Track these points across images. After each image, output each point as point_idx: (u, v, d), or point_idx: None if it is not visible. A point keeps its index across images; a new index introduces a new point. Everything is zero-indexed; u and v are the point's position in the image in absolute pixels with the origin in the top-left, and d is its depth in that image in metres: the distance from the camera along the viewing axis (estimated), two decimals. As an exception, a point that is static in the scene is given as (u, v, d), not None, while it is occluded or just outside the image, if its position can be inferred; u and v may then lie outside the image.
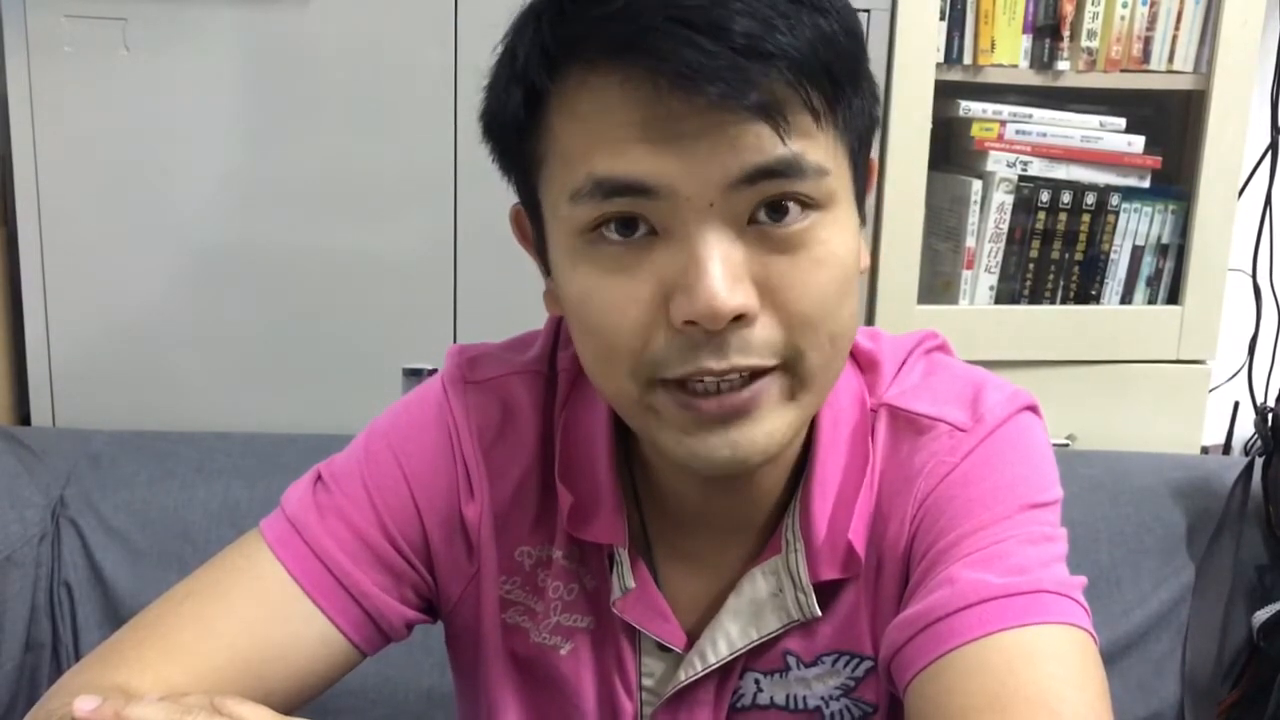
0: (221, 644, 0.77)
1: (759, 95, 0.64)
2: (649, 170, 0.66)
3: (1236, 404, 1.95)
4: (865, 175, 0.76)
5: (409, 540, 0.82)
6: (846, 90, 0.69)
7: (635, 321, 0.69)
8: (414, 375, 1.67)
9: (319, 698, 0.82)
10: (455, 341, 1.65)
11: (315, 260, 1.65)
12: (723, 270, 0.66)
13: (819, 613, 0.79)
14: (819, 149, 0.68)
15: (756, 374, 0.69)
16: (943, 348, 0.87)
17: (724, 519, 0.81)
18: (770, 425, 0.71)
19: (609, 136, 0.66)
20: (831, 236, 0.69)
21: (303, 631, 0.79)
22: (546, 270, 0.76)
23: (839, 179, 0.70)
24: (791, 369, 0.70)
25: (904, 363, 0.84)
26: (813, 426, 0.80)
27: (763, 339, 0.68)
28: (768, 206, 0.67)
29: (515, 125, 0.71)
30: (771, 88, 0.65)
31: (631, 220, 0.68)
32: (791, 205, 0.68)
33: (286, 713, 0.67)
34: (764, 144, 0.66)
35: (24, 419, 1.69)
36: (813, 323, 0.69)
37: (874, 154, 0.77)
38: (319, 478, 0.84)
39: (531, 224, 0.76)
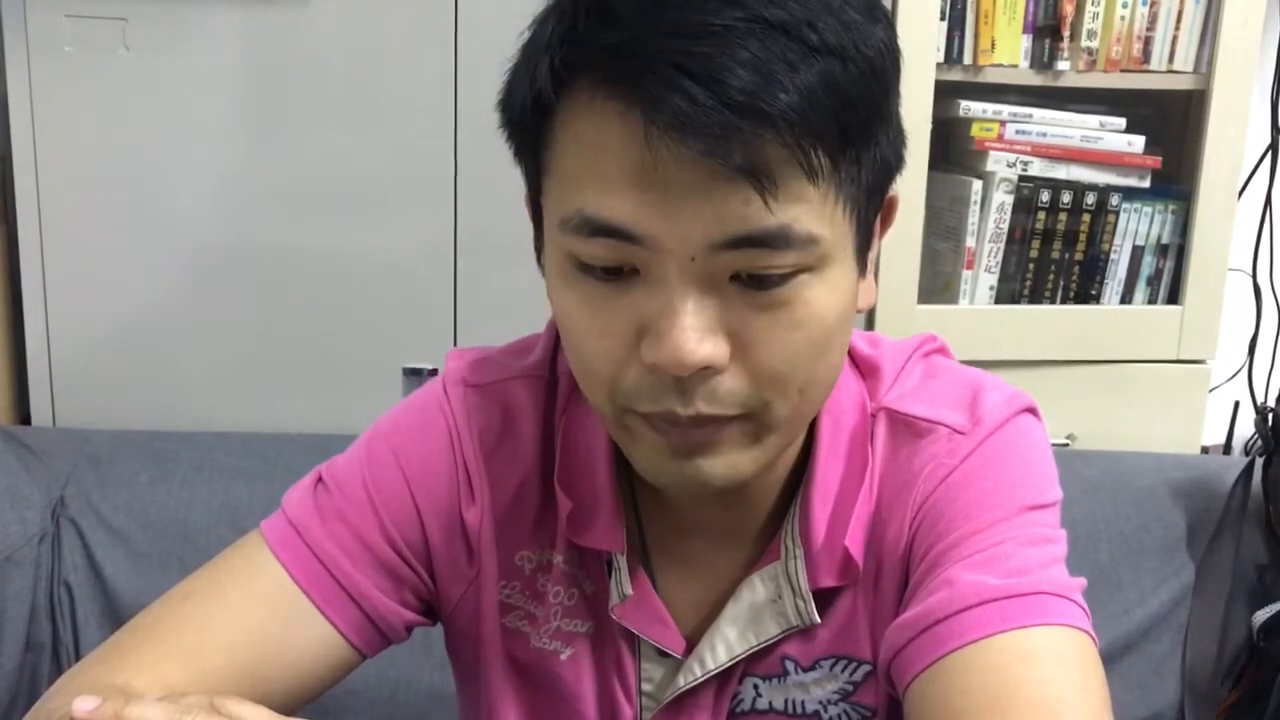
0: (221, 644, 0.77)
1: (745, 156, 0.62)
2: (634, 219, 0.65)
3: (1236, 404, 1.95)
4: (881, 215, 0.74)
5: (409, 543, 0.82)
6: (856, 143, 0.66)
7: (609, 354, 0.69)
8: (414, 375, 1.67)
9: (319, 698, 0.82)
10: (455, 342, 1.66)
11: (315, 260, 1.65)
12: (695, 322, 0.65)
13: (818, 619, 0.79)
14: (812, 213, 0.65)
15: (720, 421, 0.69)
16: (941, 350, 0.87)
17: (722, 526, 0.81)
18: (732, 460, 0.71)
19: (602, 172, 0.65)
20: (816, 297, 0.67)
21: (302, 633, 0.79)
22: (542, 266, 0.76)
23: (835, 239, 0.67)
24: (756, 418, 0.70)
25: (903, 367, 0.84)
26: (812, 433, 0.80)
27: (729, 389, 0.68)
28: (748, 274, 0.66)
29: (524, 126, 0.70)
30: (762, 148, 0.62)
31: (615, 265, 0.67)
32: (774, 274, 0.66)
33: (286, 713, 0.67)
34: (750, 211, 0.63)
35: (24, 419, 1.69)
36: (782, 379, 0.68)
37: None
38: (320, 479, 0.84)
39: (534, 219, 0.76)
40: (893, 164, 0.71)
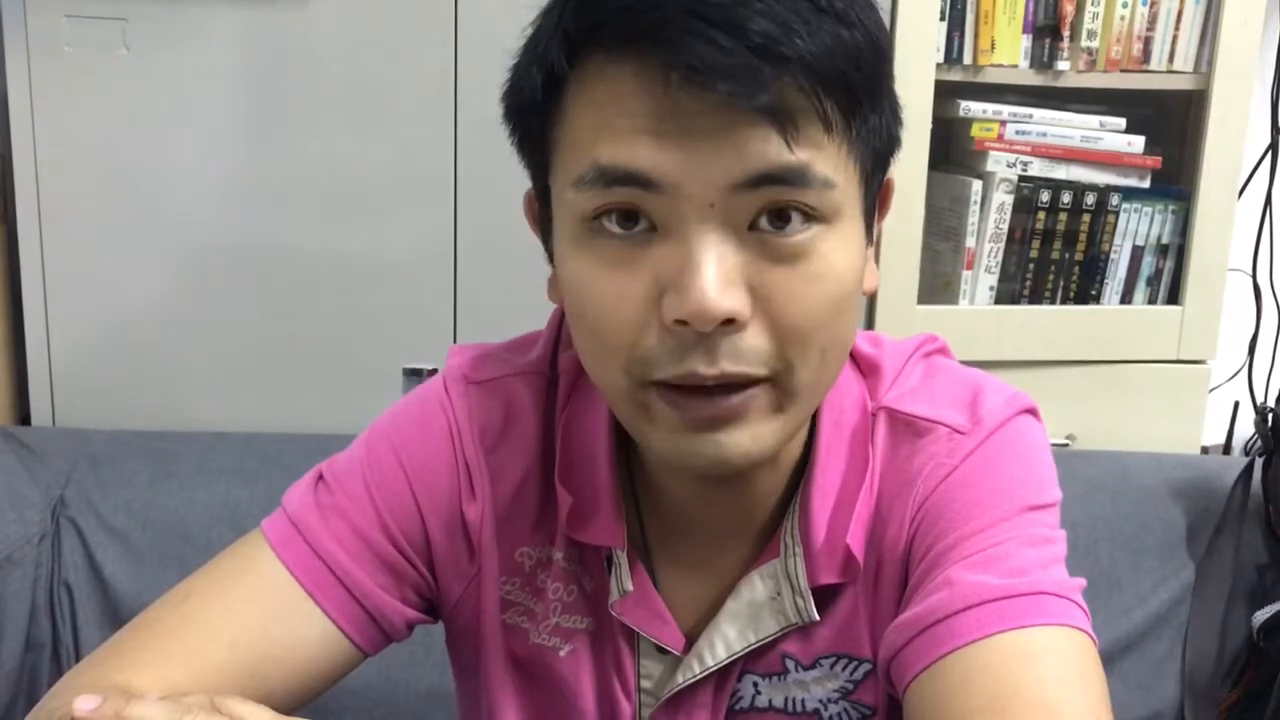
0: (222, 644, 0.77)
1: (769, 98, 0.63)
2: (653, 163, 0.65)
3: (1236, 404, 1.95)
4: (879, 195, 0.75)
5: (410, 540, 0.82)
6: (864, 104, 0.68)
7: (628, 318, 0.68)
8: (414, 375, 1.67)
9: (319, 698, 0.82)
10: (455, 341, 1.66)
11: (315, 260, 1.65)
12: (716, 272, 0.65)
13: (817, 617, 0.79)
14: (828, 160, 0.67)
15: (745, 384, 0.69)
16: (942, 351, 0.87)
17: (722, 522, 0.81)
18: (756, 433, 0.70)
19: (617, 125, 0.66)
20: (832, 251, 0.68)
21: (304, 631, 0.79)
22: (551, 257, 0.76)
23: (846, 194, 0.69)
24: (780, 382, 0.69)
25: (903, 366, 0.84)
26: (813, 431, 0.80)
27: (752, 347, 0.68)
28: (770, 214, 0.67)
29: (533, 107, 0.71)
30: (783, 92, 0.64)
31: (632, 213, 0.67)
32: (794, 215, 0.67)
33: (287, 712, 0.67)
34: (770, 149, 0.65)
35: (24, 419, 1.69)
36: (803, 335, 0.69)
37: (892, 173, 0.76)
38: (320, 477, 0.83)
39: (540, 210, 0.76)
40: (893, 139, 0.73)
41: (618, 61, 0.66)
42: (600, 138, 0.67)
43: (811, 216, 0.67)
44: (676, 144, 0.65)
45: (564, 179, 0.70)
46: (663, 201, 0.66)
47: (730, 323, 0.66)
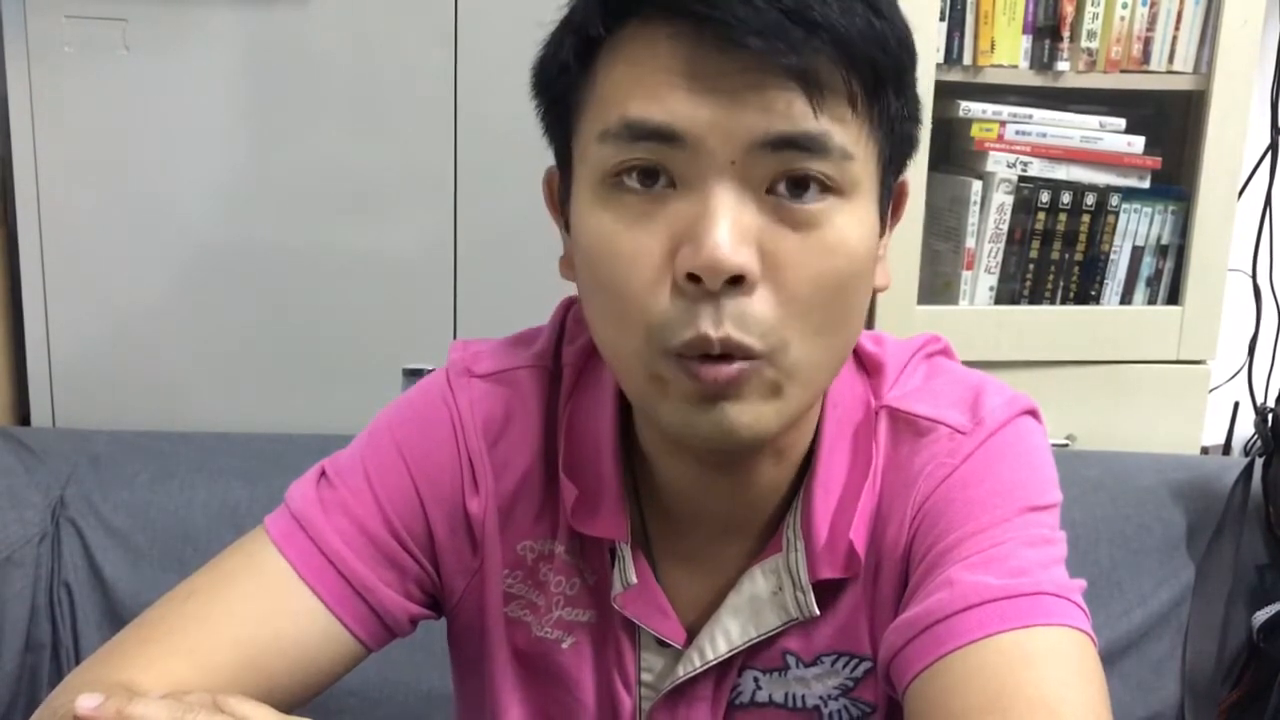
0: (226, 640, 0.77)
1: (798, 59, 0.65)
2: (678, 116, 0.67)
3: (1236, 404, 1.95)
4: (894, 195, 0.77)
5: (413, 534, 0.82)
6: (888, 90, 0.70)
7: (643, 276, 0.69)
8: (414, 375, 1.67)
9: (320, 696, 0.82)
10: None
11: (315, 260, 1.65)
12: (731, 228, 0.67)
13: (817, 612, 0.79)
14: (848, 133, 0.68)
15: (745, 356, 0.69)
16: (945, 351, 0.87)
17: (724, 516, 0.81)
18: (756, 411, 0.71)
19: (647, 81, 0.68)
20: (846, 224, 0.70)
21: (308, 627, 0.79)
22: (567, 227, 0.77)
23: (864, 170, 0.70)
24: (775, 362, 0.70)
25: (905, 366, 0.84)
26: (817, 427, 0.80)
27: (757, 313, 0.68)
28: (788, 181, 0.68)
29: (564, 73, 0.72)
30: (813, 58, 0.66)
31: (653, 171, 0.69)
32: (811, 184, 0.68)
33: (291, 708, 0.67)
34: (795, 113, 0.67)
35: (24, 419, 1.69)
36: (807, 306, 0.69)
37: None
38: (323, 473, 0.84)
39: (561, 182, 0.77)
40: (912, 138, 0.75)
41: (654, 25, 0.68)
42: (629, 94, 0.69)
43: (828, 188, 0.69)
44: (704, 99, 0.67)
45: (589, 135, 0.71)
46: (684, 157, 0.68)
47: (740, 282, 0.67)
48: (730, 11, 0.65)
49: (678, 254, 0.68)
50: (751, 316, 0.68)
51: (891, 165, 0.74)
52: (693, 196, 0.68)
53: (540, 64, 0.75)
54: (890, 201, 0.76)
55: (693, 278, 0.67)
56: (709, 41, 0.66)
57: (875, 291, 0.76)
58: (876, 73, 0.68)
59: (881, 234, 0.75)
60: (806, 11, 0.65)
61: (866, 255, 0.72)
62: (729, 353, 0.69)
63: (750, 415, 0.71)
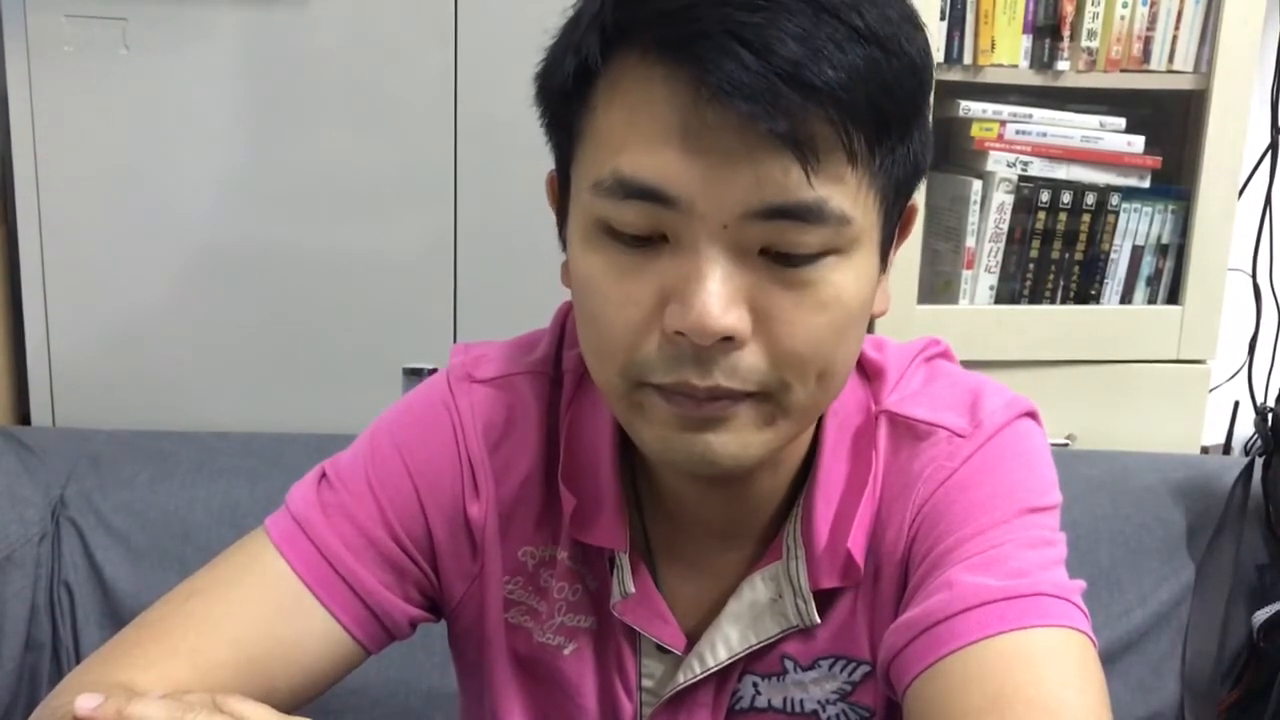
0: (225, 641, 0.77)
1: (790, 125, 0.63)
2: (671, 179, 0.65)
3: (1236, 404, 1.95)
4: (900, 222, 0.74)
5: (413, 538, 0.82)
6: (893, 134, 0.67)
7: (630, 323, 0.69)
8: (414, 375, 1.67)
9: (320, 697, 0.82)
10: (455, 341, 1.65)
11: (315, 260, 1.65)
12: (721, 290, 0.65)
13: (818, 620, 0.79)
14: (847, 194, 0.66)
15: (736, 396, 0.69)
16: (945, 355, 0.87)
17: (724, 523, 0.81)
18: (744, 440, 0.71)
19: (642, 133, 0.66)
20: (842, 280, 0.68)
21: (307, 629, 0.79)
22: (564, 243, 0.76)
23: (864, 226, 0.68)
24: (773, 398, 0.70)
25: (905, 370, 0.84)
26: (817, 434, 0.80)
27: (749, 365, 0.68)
28: (779, 249, 0.66)
29: (563, 94, 0.71)
30: (807, 121, 0.63)
31: (644, 227, 0.67)
32: (803, 252, 0.66)
33: (290, 710, 0.67)
34: (789, 181, 0.64)
35: (24, 419, 1.69)
36: (802, 361, 0.69)
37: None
38: (324, 475, 0.84)
39: (560, 194, 0.76)
40: (920, 167, 0.72)
41: (650, 64, 0.65)
42: (625, 143, 0.66)
43: (824, 250, 0.67)
44: (697, 161, 0.64)
45: (584, 178, 0.70)
46: (677, 217, 0.66)
47: (729, 340, 0.66)
48: (724, 73, 0.62)
49: (666, 308, 0.67)
50: (743, 367, 0.68)
51: (897, 200, 0.72)
52: (684, 254, 0.66)
53: (543, 76, 0.73)
54: (896, 227, 0.74)
55: (682, 333, 0.67)
56: (704, 96, 0.63)
57: (873, 317, 0.75)
58: (881, 120, 0.66)
59: (884, 269, 0.73)
60: (801, 73, 0.62)
61: (863, 303, 0.71)
62: (716, 397, 0.68)
63: (736, 445, 0.70)
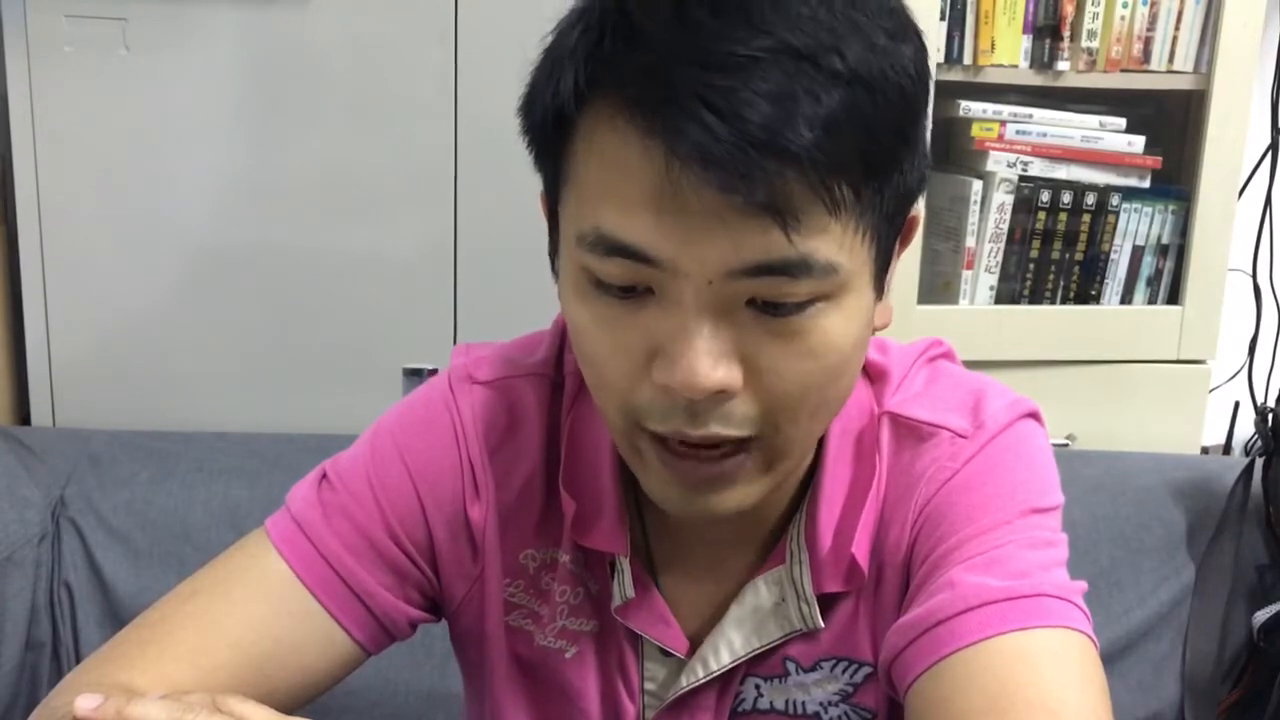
0: (225, 642, 0.77)
1: (766, 193, 0.61)
2: (652, 241, 0.64)
3: (1236, 404, 1.95)
4: (897, 244, 0.73)
5: (414, 539, 0.82)
6: (879, 173, 0.65)
7: (621, 370, 0.69)
8: (414, 375, 1.67)
9: (320, 697, 0.82)
10: (455, 341, 1.66)
11: (315, 260, 1.65)
12: (709, 346, 0.65)
13: (822, 624, 0.79)
14: (832, 243, 0.64)
15: (732, 446, 0.69)
16: (947, 355, 0.87)
17: (727, 529, 0.81)
18: (744, 492, 0.72)
19: (619, 193, 0.64)
20: (832, 325, 0.67)
21: (307, 630, 0.79)
22: (554, 266, 0.76)
23: (855, 268, 0.66)
24: (767, 442, 0.70)
25: (908, 372, 0.84)
26: (821, 439, 0.80)
27: (742, 413, 0.68)
28: (765, 300, 0.65)
29: (544, 134, 0.69)
30: (784, 185, 0.61)
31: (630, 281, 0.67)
32: (790, 303, 0.65)
33: (290, 711, 0.67)
34: (770, 241, 0.63)
35: (24, 419, 1.69)
36: (793, 404, 0.68)
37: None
38: (324, 476, 0.83)
39: (549, 217, 0.75)
40: (915, 190, 0.71)
41: (624, 123, 0.63)
42: (603, 199, 0.65)
43: (812, 298, 0.66)
44: (677, 223, 0.63)
45: (570, 224, 0.69)
46: (661, 274, 0.65)
47: (720, 393, 0.66)
48: (692, 143, 0.60)
49: (655, 361, 0.67)
50: (736, 415, 0.68)
51: (891, 230, 0.70)
52: (670, 309, 0.65)
53: (524, 110, 0.71)
54: (894, 247, 0.73)
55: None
56: (679, 158, 0.61)
57: (875, 330, 0.74)
58: (866, 163, 0.64)
59: (880, 295, 0.72)
60: (775, 140, 0.60)
61: (857, 342, 0.70)
62: (713, 444, 0.69)
63: (737, 500, 0.72)
